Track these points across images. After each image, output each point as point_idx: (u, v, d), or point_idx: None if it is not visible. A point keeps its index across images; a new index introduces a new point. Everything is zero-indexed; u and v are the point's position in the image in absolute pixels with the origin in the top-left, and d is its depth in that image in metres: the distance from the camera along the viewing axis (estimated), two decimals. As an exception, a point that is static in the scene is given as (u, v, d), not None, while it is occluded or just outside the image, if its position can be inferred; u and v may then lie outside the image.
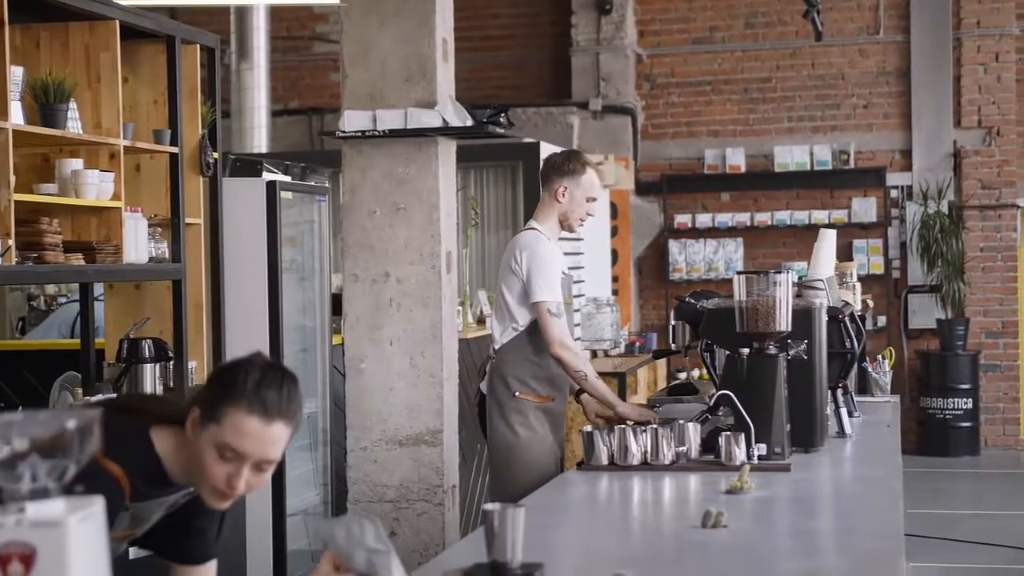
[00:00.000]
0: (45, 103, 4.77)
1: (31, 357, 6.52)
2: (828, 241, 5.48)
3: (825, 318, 4.66)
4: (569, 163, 5.29)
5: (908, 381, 12.53)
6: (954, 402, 12.12)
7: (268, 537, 6.23)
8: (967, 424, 12.16)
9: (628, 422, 5.01)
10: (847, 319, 5.03)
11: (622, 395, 8.98)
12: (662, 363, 11.22)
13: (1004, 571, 7.97)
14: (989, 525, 9.25)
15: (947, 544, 8.55)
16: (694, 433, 4.29)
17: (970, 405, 12.14)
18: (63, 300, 8.51)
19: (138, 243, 5.23)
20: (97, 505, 1.77)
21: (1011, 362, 12.52)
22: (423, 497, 5.61)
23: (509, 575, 2.70)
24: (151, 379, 5.37)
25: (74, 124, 4.91)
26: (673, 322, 5.08)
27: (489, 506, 2.73)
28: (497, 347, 5.26)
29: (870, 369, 6.32)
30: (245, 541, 5.79)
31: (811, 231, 12.36)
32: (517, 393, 5.16)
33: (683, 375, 11.88)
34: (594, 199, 5.32)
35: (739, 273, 4.43)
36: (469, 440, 6.94)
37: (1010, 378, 12.52)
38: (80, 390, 5.37)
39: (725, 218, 12.76)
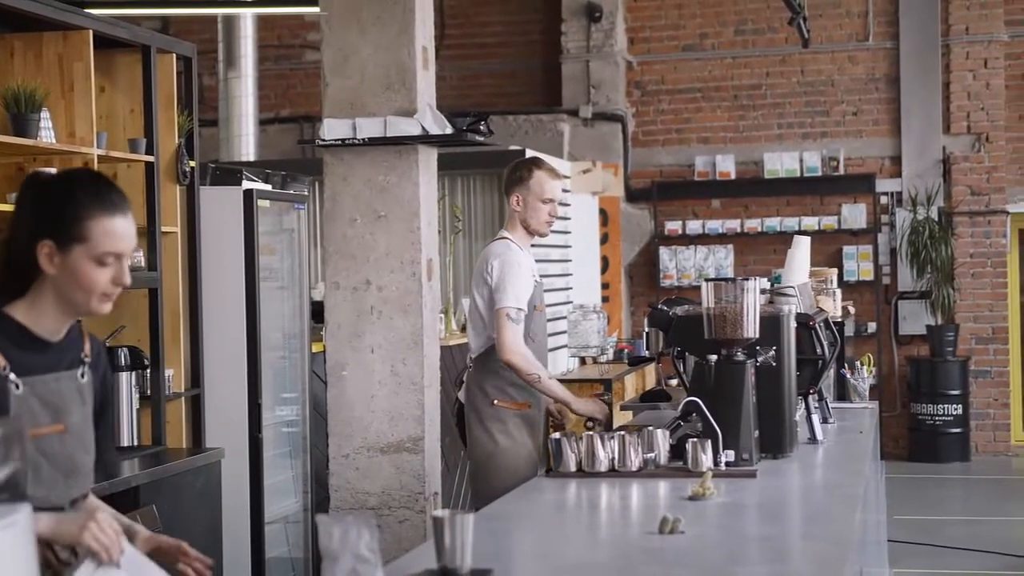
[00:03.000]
0: (17, 112, 4.79)
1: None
2: (802, 248, 5.50)
3: (794, 325, 4.67)
4: (516, 171, 5.42)
5: (898, 387, 12.54)
6: (944, 408, 12.12)
7: (246, 545, 6.24)
8: (957, 430, 12.16)
9: (588, 420, 5.09)
10: (819, 325, 5.03)
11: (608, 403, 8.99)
12: (651, 370, 11.23)
13: (980, 577, 8.00)
14: (978, 531, 9.25)
15: (935, 550, 8.56)
16: (663, 440, 4.30)
17: (960, 411, 12.15)
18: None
19: (113, 251, 5.24)
20: (22, 513, 1.79)
21: (1001, 368, 12.52)
22: (405, 504, 5.62)
23: (457, 581, 2.73)
24: (127, 387, 5.38)
25: (47, 133, 4.93)
26: (647, 329, 5.10)
27: (438, 513, 2.76)
28: (474, 356, 5.34)
29: (848, 376, 6.32)
30: (222, 548, 5.79)
31: (801, 237, 12.35)
32: (495, 401, 5.25)
33: (674, 382, 11.87)
34: (551, 200, 5.38)
35: (707, 280, 4.44)
36: (452, 447, 6.95)
37: (1000, 384, 12.52)
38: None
39: (715, 225, 12.78)
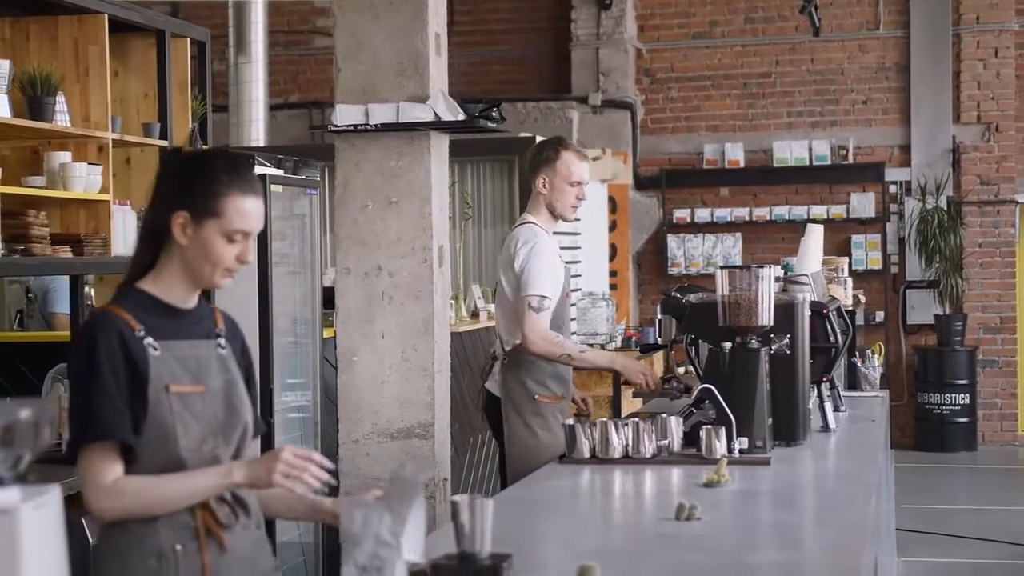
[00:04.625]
0: (33, 96, 4.79)
1: (26, 349, 6.54)
2: (815, 236, 5.49)
3: (808, 313, 4.67)
4: (543, 152, 5.23)
5: (906, 376, 12.53)
6: (951, 397, 12.13)
7: (258, 529, 6.24)
8: (964, 420, 12.17)
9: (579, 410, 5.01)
10: (832, 314, 5.03)
11: (616, 389, 8.95)
12: (660, 357, 11.24)
13: (999, 567, 7.98)
14: (985, 520, 9.26)
15: (942, 539, 8.57)
16: (676, 427, 4.30)
17: (967, 400, 12.15)
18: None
19: (126, 236, 5.25)
20: (52, 494, 1.80)
21: (1009, 358, 12.52)
22: (414, 490, 5.61)
23: (477, 566, 2.73)
24: (140, 371, 5.38)
25: (62, 117, 4.93)
26: (659, 316, 5.08)
27: (457, 498, 2.75)
28: (508, 348, 5.16)
29: (859, 364, 6.33)
30: (234, 533, 5.80)
31: (809, 226, 12.36)
32: (536, 396, 5.10)
33: (681, 370, 11.88)
34: (578, 183, 5.18)
35: (722, 267, 4.44)
36: (461, 434, 6.95)
37: (1007, 374, 12.53)
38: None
39: (724, 213, 12.77)
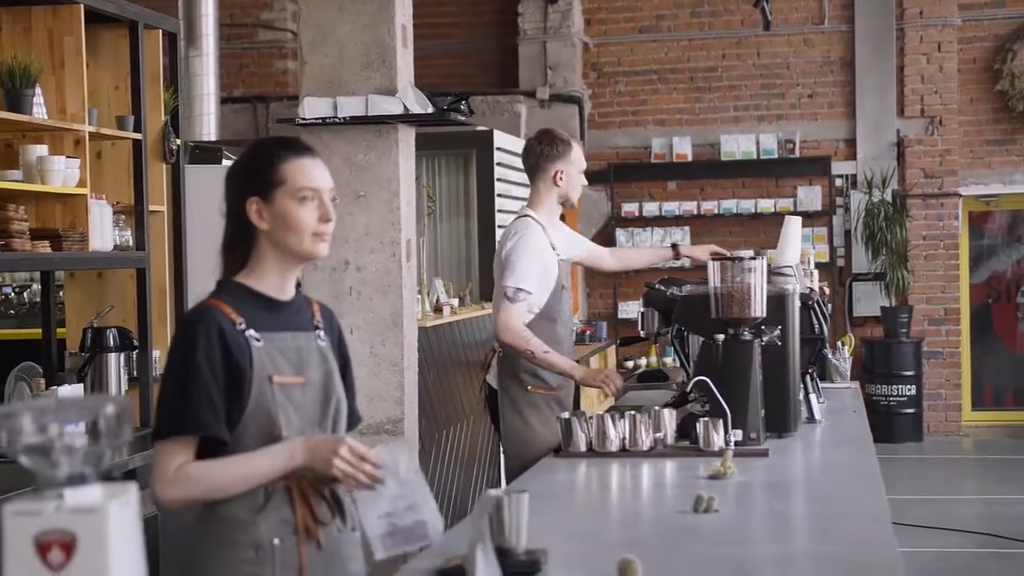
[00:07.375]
0: (11, 88, 4.69)
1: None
2: (794, 228, 5.52)
3: (798, 304, 4.68)
4: (556, 146, 5.23)
5: (853, 368, 12.62)
6: (898, 389, 12.26)
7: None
8: (911, 410, 12.30)
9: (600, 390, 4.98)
10: (816, 305, 5.06)
11: (576, 386, 8.93)
12: (612, 351, 11.28)
13: (949, 554, 8.08)
14: (933, 510, 9.37)
15: (893, 528, 8.64)
16: (670, 419, 4.30)
17: (913, 391, 12.29)
18: (8, 290, 8.39)
19: (103, 230, 5.16)
20: (132, 491, 1.75)
21: (953, 349, 12.68)
22: (385, 485, 5.58)
23: (514, 560, 2.71)
24: (115, 368, 5.30)
25: (39, 110, 4.83)
26: (642, 309, 5.06)
27: (494, 492, 2.73)
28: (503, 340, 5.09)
29: (830, 356, 6.37)
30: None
31: (757, 220, 12.48)
32: (530, 387, 5.09)
33: (630, 363, 11.92)
34: (584, 168, 5.33)
35: (714, 259, 4.45)
36: (427, 429, 6.92)
37: (952, 365, 12.68)
38: (43, 380, 5.29)
39: (672, 207, 12.81)
